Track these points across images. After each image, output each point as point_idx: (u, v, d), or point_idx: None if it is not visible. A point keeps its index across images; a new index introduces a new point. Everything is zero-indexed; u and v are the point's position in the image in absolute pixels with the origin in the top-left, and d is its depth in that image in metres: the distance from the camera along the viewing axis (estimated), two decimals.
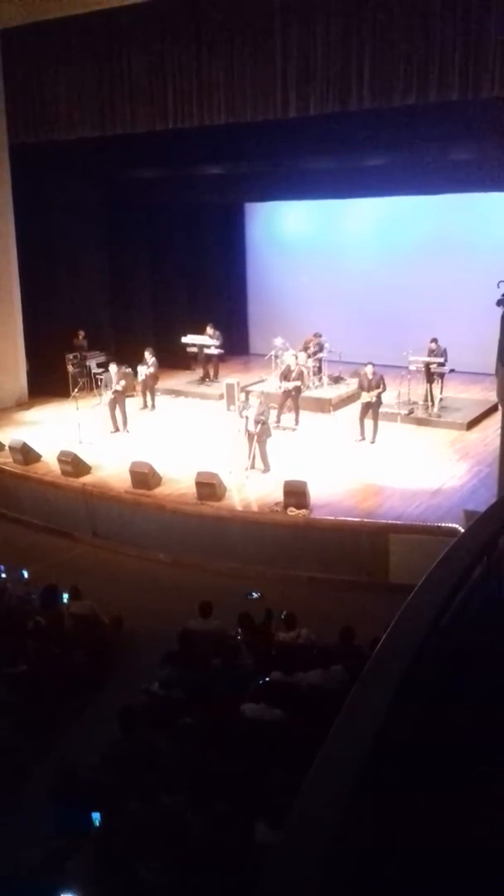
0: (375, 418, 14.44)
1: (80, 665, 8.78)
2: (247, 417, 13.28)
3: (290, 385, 15.33)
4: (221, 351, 18.72)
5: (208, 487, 12.16)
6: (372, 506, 11.78)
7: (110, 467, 13.77)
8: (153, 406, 17.42)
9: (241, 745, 6.32)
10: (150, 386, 17.29)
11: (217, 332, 18.32)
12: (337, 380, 17.72)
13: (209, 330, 18.36)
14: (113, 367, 15.87)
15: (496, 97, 12.31)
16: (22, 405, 18.07)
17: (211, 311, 19.67)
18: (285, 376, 15.49)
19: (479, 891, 3.01)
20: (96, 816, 5.67)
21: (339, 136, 14.96)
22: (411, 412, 15.66)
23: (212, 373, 19.00)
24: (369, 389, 14.29)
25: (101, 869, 5.25)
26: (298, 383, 15.46)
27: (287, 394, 15.44)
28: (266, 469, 13.19)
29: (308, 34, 13.54)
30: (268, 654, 8.36)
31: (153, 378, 17.25)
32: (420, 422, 15.47)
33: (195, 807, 5.50)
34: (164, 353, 18.58)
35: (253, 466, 13.24)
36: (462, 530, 8.97)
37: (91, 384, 17.99)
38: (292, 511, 11.59)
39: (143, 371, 16.94)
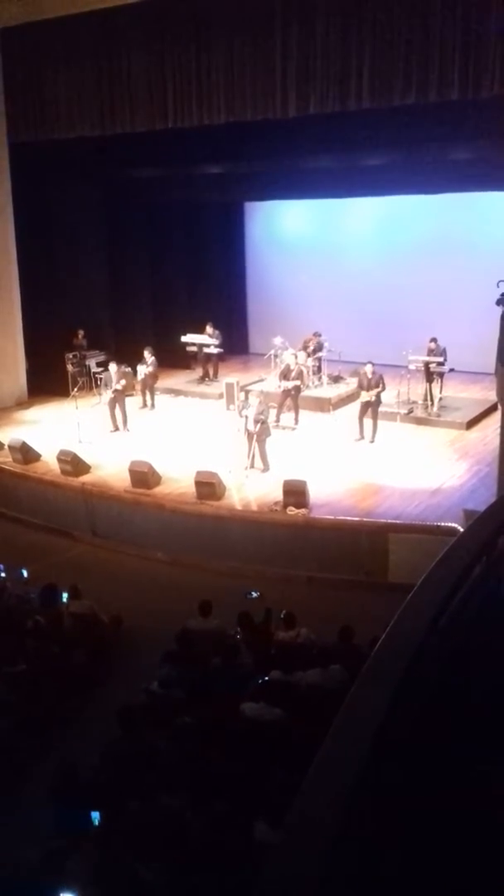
0: (375, 417, 14.44)
1: (80, 664, 8.78)
2: (246, 417, 13.28)
3: (290, 384, 15.33)
4: (221, 350, 18.72)
5: (208, 487, 12.16)
6: (371, 505, 11.78)
7: (110, 466, 13.77)
8: (153, 405, 17.42)
9: (240, 744, 6.32)
10: (149, 385, 17.29)
11: (217, 332, 18.32)
12: (336, 379, 17.72)
13: (209, 329, 18.36)
14: (113, 367, 15.87)
15: (496, 96, 12.30)
16: (21, 404, 18.07)
17: (210, 311, 19.66)
18: (285, 375, 15.49)
19: (479, 890, 3.01)
20: (96, 816, 5.67)
21: (339, 135, 14.97)
22: (411, 411, 15.66)
23: (211, 372, 19.00)
24: (368, 388, 14.29)
25: (101, 869, 5.25)
26: (298, 382, 15.46)
27: (286, 393, 15.44)
28: (265, 468, 13.19)
29: (308, 34, 13.54)
30: (267, 653, 8.36)
31: (152, 377, 17.25)
32: (419, 421, 15.47)
33: (195, 806, 5.50)
34: (164, 352, 18.58)
35: (252, 466, 13.24)
36: (461, 530, 8.98)
37: (91, 383, 17.99)
38: (292, 510, 11.60)
39: (143, 370, 16.94)
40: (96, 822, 5.66)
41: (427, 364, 15.70)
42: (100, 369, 17.56)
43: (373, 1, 12.86)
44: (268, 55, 13.96)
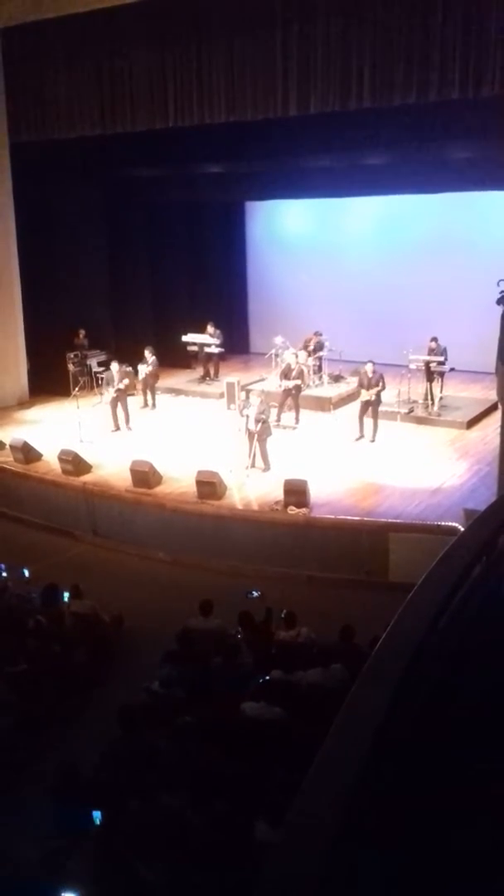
0: (375, 417, 14.44)
1: (81, 664, 8.79)
2: (247, 416, 13.28)
3: (291, 384, 15.33)
4: (222, 350, 18.71)
5: (209, 486, 12.16)
6: (372, 504, 11.78)
7: (111, 466, 13.77)
8: (154, 405, 17.42)
9: (241, 743, 6.32)
10: (150, 385, 17.29)
11: (217, 331, 18.31)
12: (337, 378, 17.72)
13: (210, 329, 18.36)
14: (114, 366, 15.86)
15: (497, 96, 12.30)
16: (23, 404, 18.08)
17: (211, 310, 19.65)
18: (286, 375, 15.48)
19: (479, 890, 3.01)
20: (97, 815, 5.67)
21: (340, 134, 14.97)
22: (411, 411, 15.66)
23: (212, 371, 19.00)
24: (369, 387, 14.29)
25: (102, 868, 5.25)
26: (299, 382, 15.45)
27: (287, 392, 15.44)
28: (266, 468, 13.19)
29: (308, 33, 13.53)
30: (268, 652, 8.36)
31: (153, 377, 17.25)
32: (420, 420, 15.47)
33: (195, 806, 5.50)
34: (165, 351, 18.59)
35: (253, 465, 13.24)
36: (462, 529, 8.97)
37: (92, 383, 18.00)
38: (292, 510, 11.60)
39: (144, 370, 16.94)
40: (97, 822, 5.66)
41: (427, 363, 15.70)
42: (101, 369, 17.57)
43: (373, 0, 12.85)
44: (268, 55, 13.95)
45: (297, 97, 13.85)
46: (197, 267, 21.21)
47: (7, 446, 14.61)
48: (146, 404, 17.34)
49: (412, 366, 15.87)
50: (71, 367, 17.97)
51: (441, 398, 15.91)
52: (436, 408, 15.74)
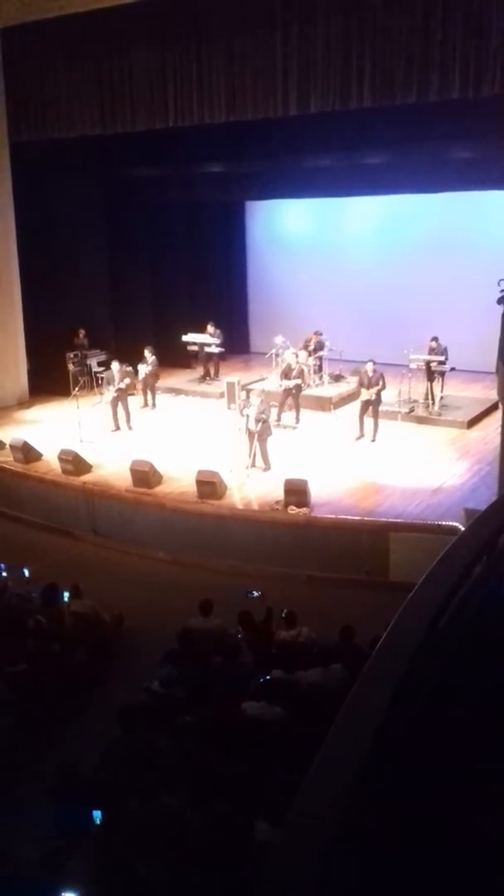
0: (376, 416, 14.44)
1: (81, 664, 8.79)
2: (247, 416, 13.28)
3: (291, 383, 15.33)
4: (222, 349, 18.70)
5: (209, 486, 12.16)
6: (372, 504, 11.78)
7: (111, 466, 13.77)
8: (154, 404, 17.42)
9: (241, 743, 6.32)
10: (150, 384, 17.29)
11: (218, 331, 18.31)
12: (337, 378, 17.72)
13: (210, 328, 18.35)
14: (115, 365, 15.85)
15: (497, 96, 12.29)
16: (23, 404, 18.08)
17: (211, 310, 19.66)
18: (286, 374, 15.48)
19: (479, 890, 3.01)
20: (97, 815, 5.67)
21: (340, 134, 15.00)
22: (412, 410, 15.66)
23: (212, 371, 19.00)
24: (369, 387, 14.29)
25: (102, 868, 5.25)
26: (299, 381, 15.45)
27: (288, 392, 15.44)
28: (267, 467, 13.19)
29: (308, 33, 13.53)
30: (268, 652, 8.36)
31: (153, 376, 17.25)
32: (420, 420, 15.47)
33: (195, 805, 5.50)
34: (165, 351, 18.59)
35: (253, 465, 13.24)
36: (462, 528, 8.97)
37: (92, 383, 18.00)
38: (293, 509, 11.60)
39: (144, 369, 16.93)
40: (97, 822, 5.66)
41: (428, 363, 15.69)
42: (101, 368, 17.57)
43: (373, 0, 12.85)
44: (268, 54, 13.95)
45: (297, 97, 13.85)
46: (197, 267, 21.21)
47: (7, 446, 14.61)
48: (146, 404, 17.33)
49: (413, 365, 15.86)
50: (71, 366, 17.96)
51: (441, 398, 15.91)
52: (436, 407, 15.73)
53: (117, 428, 15.74)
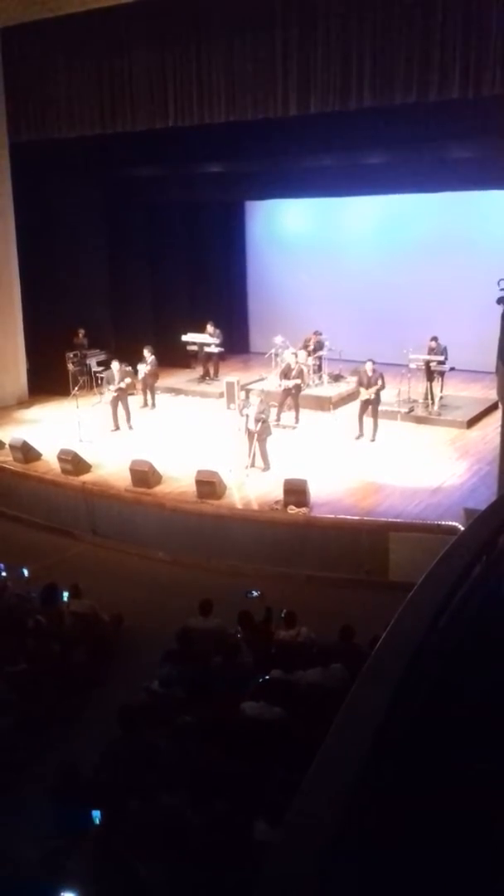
0: (375, 416, 14.44)
1: (80, 663, 8.79)
2: (247, 416, 13.28)
3: (291, 383, 15.33)
4: (222, 349, 18.70)
5: (208, 486, 12.16)
6: (372, 504, 11.78)
7: (110, 465, 13.77)
8: (153, 404, 17.42)
9: (241, 743, 6.32)
10: (149, 384, 17.28)
11: (217, 331, 18.30)
12: (337, 378, 17.72)
13: (209, 328, 18.35)
14: (115, 365, 15.84)
15: (497, 95, 12.29)
16: (22, 403, 18.08)
17: (211, 310, 19.65)
18: (285, 374, 15.48)
19: (479, 890, 3.01)
20: (96, 815, 5.67)
21: (340, 134, 14.98)
22: (411, 410, 15.66)
23: (212, 371, 19.00)
24: (368, 386, 14.29)
25: (101, 868, 5.25)
26: (298, 381, 15.45)
27: (287, 392, 15.44)
28: (266, 467, 13.19)
29: (308, 33, 13.53)
30: (268, 652, 8.36)
31: (152, 376, 17.24)
32: (420, 420, 15.47)
33: (195, 805, 5.50)
34: (165, 351, 18.58)
35: (253, 465, 13.24)
36: (462, 528, 8.97)
37: (91, 382, 18.00)
38: (292, 509, 11.59)
39: (143, 369, 16.93)
40: (96, 822, 5.65)
41: (428, 363, 15.69)
42: (100, 368, 17.57)
43: (373, 0, 12.85)
44: (268, 54, 13.95)
45: (297, 97, 13.85)
46: (197, 267, 21.21)
47: (6, 446, 14.60)
48: (146, 404, 17.33)
49: (412, 365, 15.86)
50: (70, 366, 17.96)
51: (441, 397, 15.91)
52: (436, 407, 15.73)
53: (117, 428, 15.74)
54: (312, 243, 20.47)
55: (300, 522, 11.53)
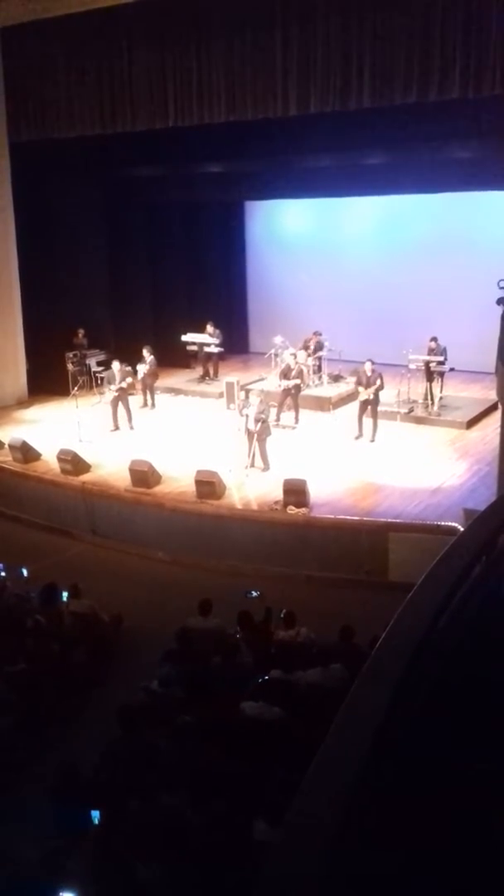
0: (375, 416, 14.44)
1: (80, 663, 8.78)
2: (247, 416, 13.28)
3: (290, 383, 15.33)
4: (221, 349, 18.70)
5: (208, 486, 12.16)
6: (371, 504, 11.78)
7: (110, 466, 13.77)
8: (153, 404, 17.42)
9: (240, 743, 6.32)
10: (148, 384, 17.28)
11: (217, 331, 18.30)
12: (337, 378, 17.73)
13: (209, 328, 18.35)
14: (116, 365, 15.84)
15: (497, 95, 12.30)
16: (22, 403, 18.08)
17: (211, 310, 19.66)
18: (285, 374, 15.48)
19: (479, 890, 3.01)
20: (96, 815, 5.67)
21: (340, 134, 14.99)
22: (411, 411, 15.66)
23: (211, 371, 19.00)
24: (367, 386, 14.29)
25: (101, 868, 5.25)
26: (298, 381, 15.45)
27: (287, 392, 15.44)
28: (266, 467, 13.19)
29: (308, 33, 13.55)
30: (267, 652, 8.36)
31: (152, 376, 17.23)
32: (420, 420, 15.47)
33: (195, 805, 5.50)
34: (164, 351, 18.58)
35: (253, 465, 13.24)
36: (461, 529, 8.97)
37: (91, 382, 17.99)
38: (292, 509, 11.59)
39: (142, 369, 16.93)
40: (96, 822, 5.66)
41: (427, 363, 15.69)
42: (100, 368, 17.57)
43: (373, 0, 12.85)
44: (268, 54, 13.96)
45: (297, 97, 13.86)
46: (196, 267, 21.21)
47: (6, 446, 14.60)
48: (145, 404, 17.33)
49: (412, 366, 15.86)
50: (70, 366, 17.95)
51: (441, 398, 15.91)
52: (435, 408, 15.73)
53: (116, 428, 15.74)
54: (312, 243, 20.47)
55: (300, 522, 11.53)
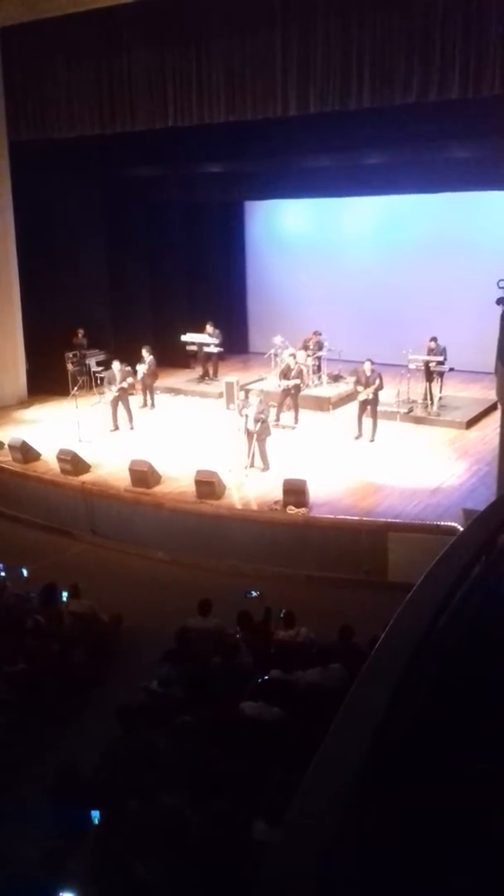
0: (374, 416, 14.45)
1: (80, 663, 8.78)
2: (246, 416, 13.28)
3: (290, 383, 15.33)
4: (221, 349, 18.71)
5: (207, 486, 12.16)
6: (371, 504, 11.78)
7: (110, 466, 13.77)
8: (152, 404, 17.42)
9: (240, 743, 6.32)
10: (148, 384, 17.28)
11: (217, 331, 18.31)
12: (336, 378, 17.73)
13: (209, 328, 18.35)
14: (116, 365, 15.84)
15: (497, 95, 12.30)
16: (21, 403, 18.07)
17: (210, 310, 19.66)
18: (285, 374, 15.48)
19: (479, 891, 3.01)
20: (96, 815, 5.67)
21: (339, 134, 14.99)
22: (411, 411, 15.66)
23: (211, 371, 19.00)
24: (366, 385, 14.29)
25: (101, 868, 5.24)
26: (298, 381, 15.46)
27: (286, 392, 15.44)
28: (265, 467, 13.19)
29: (308, 33, 13.55)
30: (267, 652, 8.36)
31: (151, 376, 17.22)
32: (419, 420, 15.47)
33: (194, 805, 5.50)
34: (164, 351, 18.58)
35: (252, 465, 13.24)
36: (461, 529, 8.97)
37: (91, 382, 17.99)
38: (291, 509, 11.59)
39: (141, 369, 16.92)
40: (96, 822, 5.65)
41: (427, 363, 15.70)
42: (100, 368, 17.57)
43: (373, 0, 12.85)
44: (268, 54, 13.96)
45: (297, 97, 13.86)
46: (196, 266, 21.21)
47: (6, 446, 14.60)
48: (145, 404, 17.32)
49: (411, 366, 15.87)
50: (70, 366, 17.95)
51: (440, 398, 15.91)
52: (435, 408, 15.74)
53: (116, 428, 15.74)
54: (312, 243, 20.47)
55: (299, 522, 11.53)
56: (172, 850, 5.12)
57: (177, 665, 7.81)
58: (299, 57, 13.69)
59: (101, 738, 6.66)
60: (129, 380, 15.78)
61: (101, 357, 18.24)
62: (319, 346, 17.52)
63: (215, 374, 18.94)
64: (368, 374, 14.31)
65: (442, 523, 10.80)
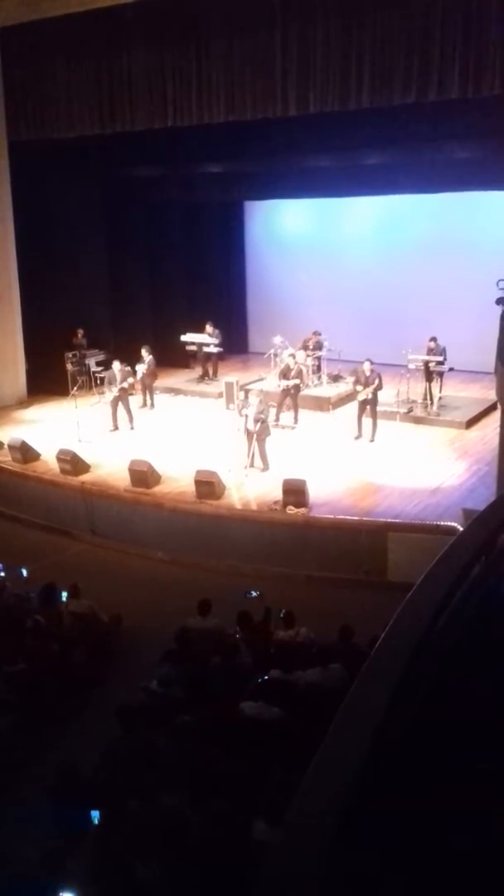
0: (374, 416, 14.45)
1: (79, 663, 8.78)
2: (246, 416, 13.28)
3: (290, 383, 15.33)
4: (221, 349, 18.71)
5: (207, 486, 12.16)
6: (371, 504, 11.78)
7: (109, 466, 13.76)
8: (152, 404, 17.42)
9: (239, 743, 6.32)
10: (147, 384, 17.27)
11: (216, 331, 18.31)
12: (336, 378, 17.73)
13: (208, 328, 18.35)
14: (116, 365, 15.83)
15: (496, 95, 12.30)
16: (21, 403, 18.07)
17: (210, 310, 19.66)
18: (284, 374, 15.49)
19: (479, 890, 3.01)
20: (95, 815, 5.67)
21: (339, 134, 14.99)
22: (410, 411, 15.66)
23: (211, 371, 19.00)
24: (366, 385, 14.29)
25: (101, 868, 5.25)
26: (297, 381, 15.46)
27: (286, 392, 15.44)
28: (265, 467, 13.19)
29: (308, 33, 13.54)
30: (267, 652, 8.36)
31: (151, 376, 17.22)
32: (419, 420, 15.47)
33: (194, 805, 5.50)
34: (164, 351, 18.58)
35: (252, 465, 13.24)
36: (461, 529, 8.97)
37: (90, 383, 17.99)
38: (291, 509, 11.59)
39: (141, 369, 16.92)
40: (96, 822, 5.66)
41: (427, 363, 15.70)
42: (99, 368, 17.57)
43: (373, 1, 12.85)
44: (267, 54, 13.96)
45: (297, 97, 13.86)
46: (196, 266, 21.22)
47: (5, 446, 14.60)
48: (144, 404, 17.32)
49: (411, 365, 15.87)
50: (69, 366, 17.95)
51: (440, 398, 15.91)
52: (435, 408, 15.74)
53: (116, 428, 15.73)
54: (312, 243, 20.47)
55: (299, 522, 11.53)
56: (172, 850, 5.12)
57: (177, 665, 7.81)
58: (299, 57, 13.69)
59: (101, 738, 6.66)
60: (130, 380, 15.78)
61: (101, 357, 18.24)
62: (319, 346, 17.52)
63: (215, 374, 18.94)
64: (368, 373, 14.31)
65: (442, 523, 10.81)
